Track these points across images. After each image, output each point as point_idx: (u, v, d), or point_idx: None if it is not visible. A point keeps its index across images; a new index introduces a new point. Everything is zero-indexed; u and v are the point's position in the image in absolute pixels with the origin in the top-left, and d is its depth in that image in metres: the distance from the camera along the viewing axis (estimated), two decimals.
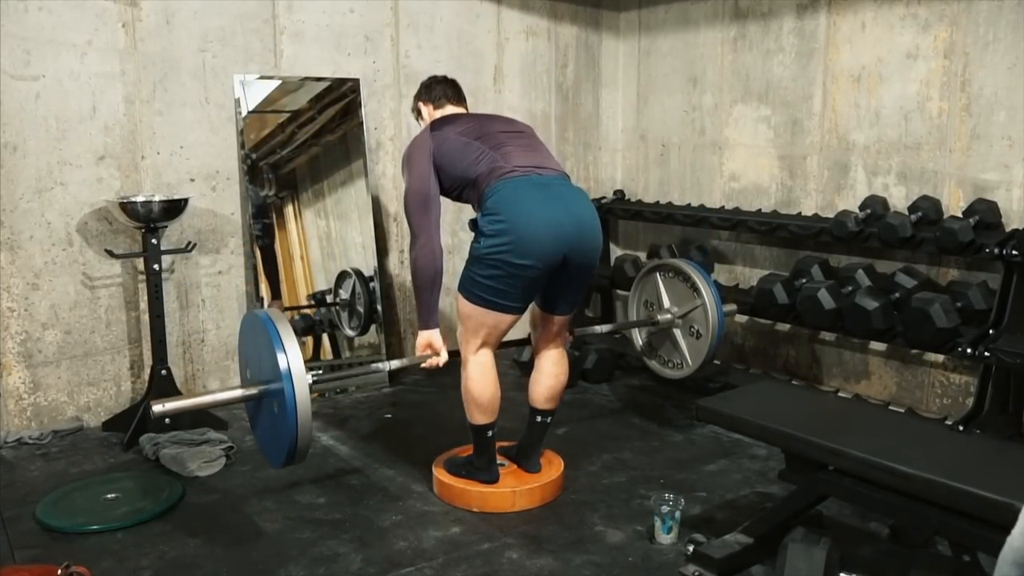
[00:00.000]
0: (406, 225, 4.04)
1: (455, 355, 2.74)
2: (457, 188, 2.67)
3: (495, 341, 2.70)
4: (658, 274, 3.36)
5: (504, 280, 2.53)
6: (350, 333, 3.98)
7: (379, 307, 4.00)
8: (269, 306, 3.65)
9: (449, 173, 2.63)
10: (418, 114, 2.93)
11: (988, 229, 3.11)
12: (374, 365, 2.73)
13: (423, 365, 2.70)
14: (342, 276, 3.94)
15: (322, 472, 3.02)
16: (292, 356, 2.20)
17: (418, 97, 2.93)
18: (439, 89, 2.88)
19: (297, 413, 2.17)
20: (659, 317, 3.32)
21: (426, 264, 2.57)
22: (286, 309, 3.77)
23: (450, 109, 2.86)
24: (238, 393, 2.38)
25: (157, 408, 2.23)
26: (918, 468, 1.95)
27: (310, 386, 2.23)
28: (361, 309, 3.95)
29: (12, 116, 3.18)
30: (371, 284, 3.96)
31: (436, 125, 2.73)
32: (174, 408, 2.35)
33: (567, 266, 2.58)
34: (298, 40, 3.76)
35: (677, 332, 3.33)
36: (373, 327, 4.02)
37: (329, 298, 3.94)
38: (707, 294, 3.17)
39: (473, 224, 2.61)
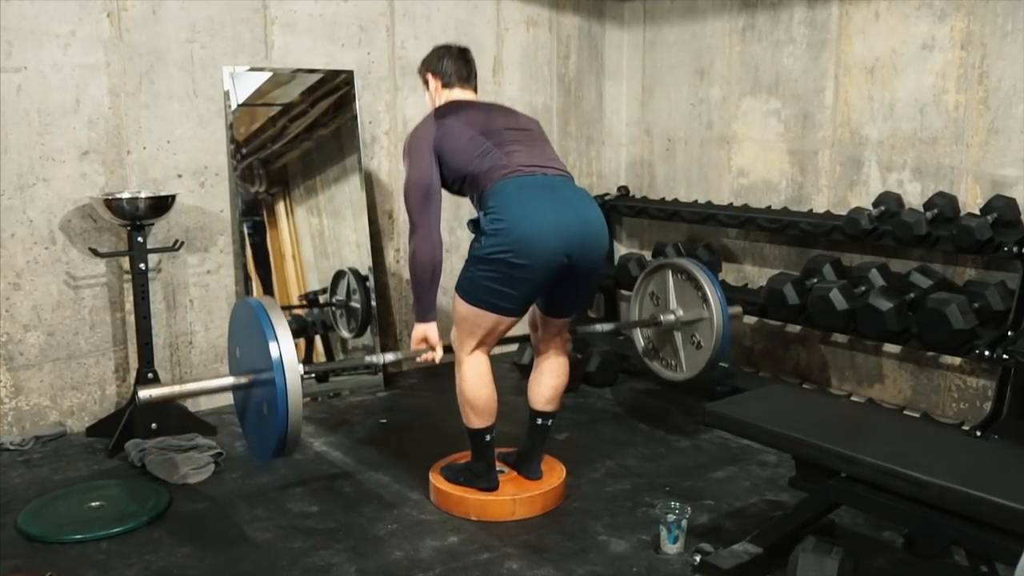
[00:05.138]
0: (402, 223, 4.09)
1: (451, 351, 2.69)
2: (459, 182, 2.61)
3: (491, 343, 2.67)
4: (670, 272, 3.27)
5: (504, 282, 2.49)
6: (346, 335, 3.91)
7: (374, 307, 3.93)
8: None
9: (451, 166, 2.57)
10: (425, 83, 2.81)
11: (1006, 227, 3.07)
12: (367, 358, 2.72)
13: (418, 359, 2.66)
14: (338, 276, 3.87)
15: (315, 479, 2.99)
16: (284, 345, 2.21)
17: (427, 65, 2.79)
18: (450, 66, 2.74)
19: (288, 404, 2.19)
20: (662, 317, 3.25)
21: (425, 257, 2.53)
22: None
23: (458, 93, 2.75)
24: (228, 381, 2.38)
25: (143, 394, 2.23)
26: (934, 475, 1.93)
27: (302, 377, 2.24)
28: (357, 306, 3.87)
29: None
30: (367, 283, 3.89)
31: (441, 112, 2.65)
32: (161, 395, 2.35)
33: (571, 269, 2.53)
34: (290, 30, 3.69)
35: (678, 336, 3.27)
36: (368, 328, 3.95)
37: (323, 298, 3.89)
38: (716, 309, 3.09)
39: (474, 224, 2.55)
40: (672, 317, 3.23)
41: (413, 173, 2.57)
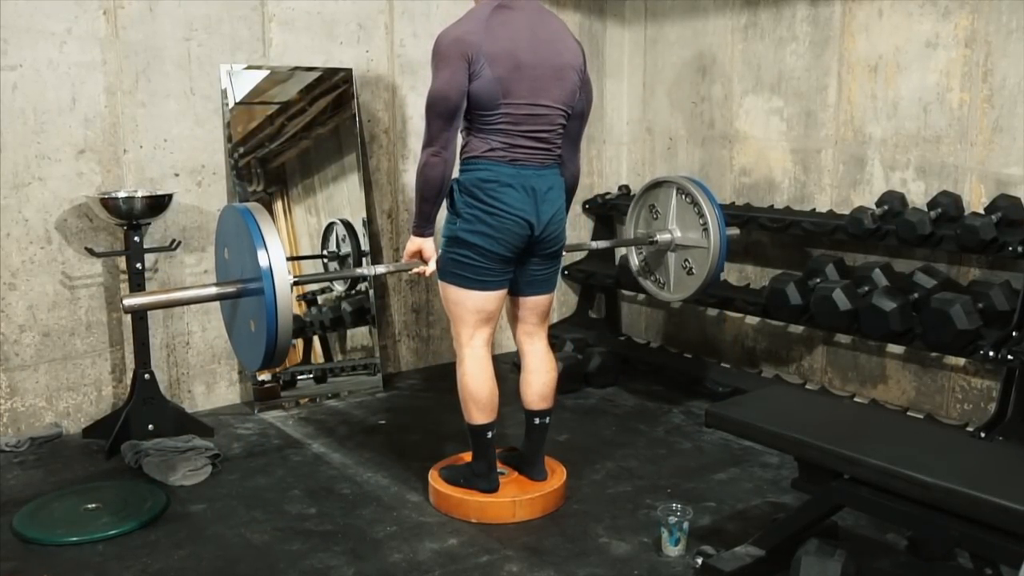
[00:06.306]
0: (401, 222, 4.06)
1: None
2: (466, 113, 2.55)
3: (487, 328, 2.66)
4: (675, 191, 3.18)
5: (480, 259, 2.55)
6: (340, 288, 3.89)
7: (372, 308, 3.91)
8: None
9: (469, 103, 2.49)
10: None
11: (1011, 226, 3.03)
12: (357, 270, 2.70)
13: (410, 272, 2.65)
14: (329, 228, 3.83)
15: (313, 481, 2.97)
16: (273, 253, 2.18)
17: None
18: None
19: (277, 311, 2.17)
20: (659, 236, 3.20)
21: (435, 174, 2.46)
22: None
23: None
24: (214, 291, 2.35)
25: (128, 302, 2.25)
26: (938, 477, 1.93)
27: (291, 286, 2.23)
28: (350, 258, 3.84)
29: None
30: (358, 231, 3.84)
31: (491, 25, 2.44)
32: (145, 303, 2.38)
33: (531, 251, 2.64)
34: (288, 28, 3.67)
35: (671, 258, 3.23)
36: (367, 328, 3.93)
37: (321, 298, 3.87)
38: (714, 240, 3.03)
39: (450, 199, 2.57)
40: (668, 236, 3.19)
41: (442, 85, 2.41)
